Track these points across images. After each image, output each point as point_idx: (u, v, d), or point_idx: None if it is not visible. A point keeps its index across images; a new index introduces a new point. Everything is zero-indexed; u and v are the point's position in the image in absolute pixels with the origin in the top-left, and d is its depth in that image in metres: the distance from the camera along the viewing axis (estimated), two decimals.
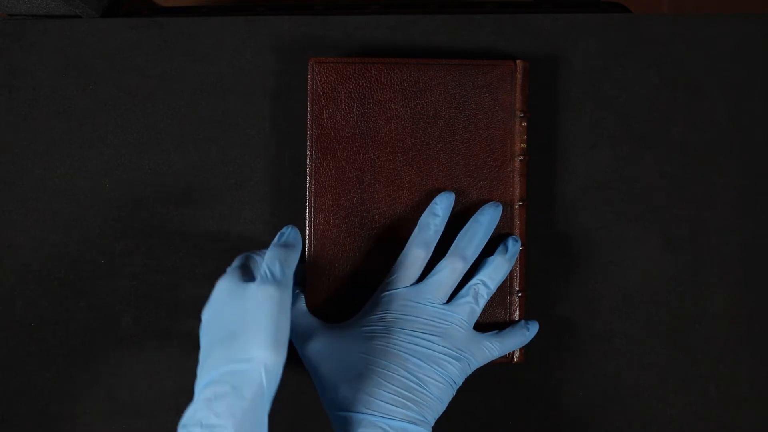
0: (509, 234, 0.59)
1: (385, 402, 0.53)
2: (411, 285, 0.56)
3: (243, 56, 0.64)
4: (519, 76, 0.59)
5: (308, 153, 0.59)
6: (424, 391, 0.54)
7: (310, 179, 0.59)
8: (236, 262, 0.55)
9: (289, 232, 0.55)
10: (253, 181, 0.64)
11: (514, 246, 0.58)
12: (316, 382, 0.56)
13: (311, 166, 0.59)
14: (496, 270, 0.57)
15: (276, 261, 0.52)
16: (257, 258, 0.55)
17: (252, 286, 0.50)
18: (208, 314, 0.53)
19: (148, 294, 0.64)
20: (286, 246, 0.53)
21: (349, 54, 0.64)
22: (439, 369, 0.54)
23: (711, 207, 0.64)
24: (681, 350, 0.64)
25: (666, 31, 0.64)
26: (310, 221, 0.59)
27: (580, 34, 0.64)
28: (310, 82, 0.59)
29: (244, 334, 0.49)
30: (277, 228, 0.63)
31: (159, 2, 0.96)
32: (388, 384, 0.53)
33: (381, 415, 0.52)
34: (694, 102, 0.64)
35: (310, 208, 0.59)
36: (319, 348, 0.55)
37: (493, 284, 0.57)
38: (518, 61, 0.60)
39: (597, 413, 0.64)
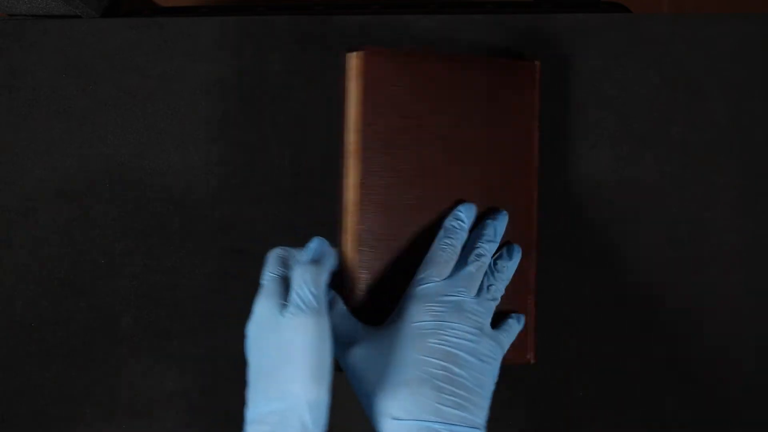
0: (508, 241, 0.58)
1: (447, 407, 0.50)
2: (445, 279, 0.54)
3: (243, 56, 0.64)
4: (538, 76, 0.59)
5: (354, 147, 0.54)
6: (480, 391, 0.51)
7: (364, 175, 0.54)
8: (269, 273, 0.51)
9: (316, 246, 0.51)
10: (253, 181, 0.64)
11: (517, 252, 0.57)
12: (360, 389, 0.52)
13: (362, 163, 0.54)
14: (508, 272, 0.56)
15: (304, 285, 0.48)
16: (291, 270, 0.51)
17: (285, 319, 0.48)
18: (252, 332, 0.50)
19: (148, 294, 0.64)
20: (314, 263, 0.50)
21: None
22: (488, 366, 0.52)
23: (711, 207, 0.64)
24: (681, 350, 0.64)
25: (666, 31, 0.64)
26: (357, 220, 0.54)
27: (580, 34, 0.64)
28: (363, 73, 0.54)
29: (282, 370, 0.47)
30: (276, 228, 0.63)
31: (159, 2, 0.96)
32: (447, 386, 0.50)
33: (444, 421, 0.49)
34: (694, 102, 0.64)
35: (355, 208, 0.54)
36: (364, 353, 0.52)
37: (503, 286, 0.56)
38: (536, 62, 0.59)
39: (597, 413, 0.64)
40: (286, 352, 0.47)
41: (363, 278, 0.54)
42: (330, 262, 0.51)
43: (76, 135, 0.65)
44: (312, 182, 0.64)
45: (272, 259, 0.52)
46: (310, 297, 0.48)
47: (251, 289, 0.64)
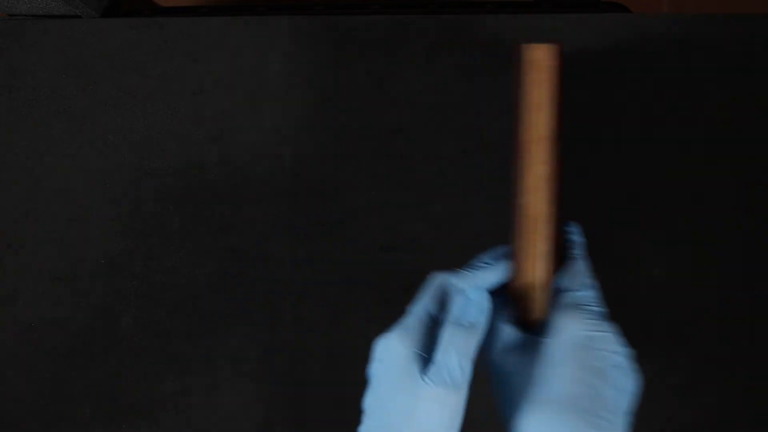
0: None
1: (590, 428, 0.46)
2: (588, 290, 0.51)
3: (243, 56, 0.64)
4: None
5: (545, 151, 0.48)
6: (620, 411, 0.47)
7: (555, 187, 0.48)
8: (420, 308, 0.48)
9: (478, 303, 0.48)
10: (254, 181, 0.64)
11: None
12: (503, 396, 0.49)
13: (555, 171, 0.48)
14: None
15: (453, 354, 0.45)
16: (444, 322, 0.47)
17: (423, 383, 0.44)
18: (381, 367, 0.47)
19: (148, 294, 0.64)
20: (468, 328, 0.46)
21: (349, 53, 0.64)
22: (629, 383, 0.49)
23: (711, 207, 0.64)
24: (681, 350, 0.64)
25: (666, 31, 0.64)
26: (548, 237, 0.50)
27: (580, 34, 0.64)
28: (555, 69, 0.48)
29: None
30: (276, 228, 0.62)
31: (159, 2, 0.96)
32: (593, 406, 0.46)
33: None
34: (694, 102, 0.64)
35: (548, 221, 0.50)
36: (518, 360, 0.48)
37: None
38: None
39: None
40: (414, 420, 0.44)
41: (544, 295, 0.50)
42: (486, 321, 0.48)
43: (76, 135, 0.65)
44: (312, 182, 0.64)
45: (430, 292, 0.49)
46: (457, 370, 0.45)
47: (251, 289, 0.65)
